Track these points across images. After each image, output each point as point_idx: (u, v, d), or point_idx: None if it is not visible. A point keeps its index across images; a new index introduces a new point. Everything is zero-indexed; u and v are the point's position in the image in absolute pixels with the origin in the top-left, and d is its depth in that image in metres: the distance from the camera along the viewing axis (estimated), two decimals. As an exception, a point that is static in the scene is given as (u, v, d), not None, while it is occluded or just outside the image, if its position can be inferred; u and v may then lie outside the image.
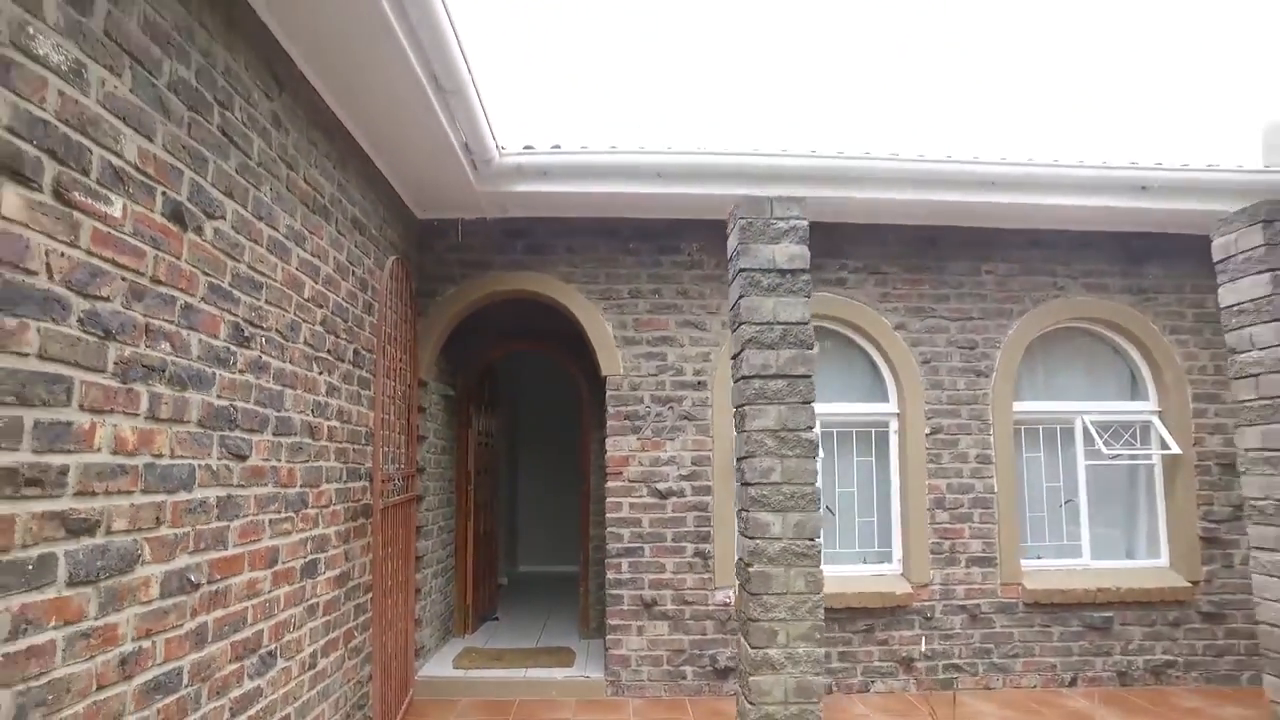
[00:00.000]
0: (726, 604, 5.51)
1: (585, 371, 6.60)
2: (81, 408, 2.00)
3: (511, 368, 9.87)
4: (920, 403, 5.82)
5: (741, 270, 3.41)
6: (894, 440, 5.92)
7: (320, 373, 3.73)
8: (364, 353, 4.39)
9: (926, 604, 5.67)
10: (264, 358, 3.12)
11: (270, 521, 3.17)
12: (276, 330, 3.24)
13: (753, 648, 3.27)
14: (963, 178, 5.37)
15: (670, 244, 5.80)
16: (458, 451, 6.86)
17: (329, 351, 3.85)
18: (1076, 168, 5.38)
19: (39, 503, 1.84)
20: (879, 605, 5.61)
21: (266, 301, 3.15)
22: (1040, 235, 5.99)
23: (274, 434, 3.21)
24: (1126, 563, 6.05)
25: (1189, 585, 5.82)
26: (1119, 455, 6.07)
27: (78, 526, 1.98)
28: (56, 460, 1.90)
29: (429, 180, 5.05)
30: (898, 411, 5.91)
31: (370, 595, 4.38)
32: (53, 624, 1.89)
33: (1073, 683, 5.69)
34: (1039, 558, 5.98)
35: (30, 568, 1.81)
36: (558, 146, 5.22)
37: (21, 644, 1.77)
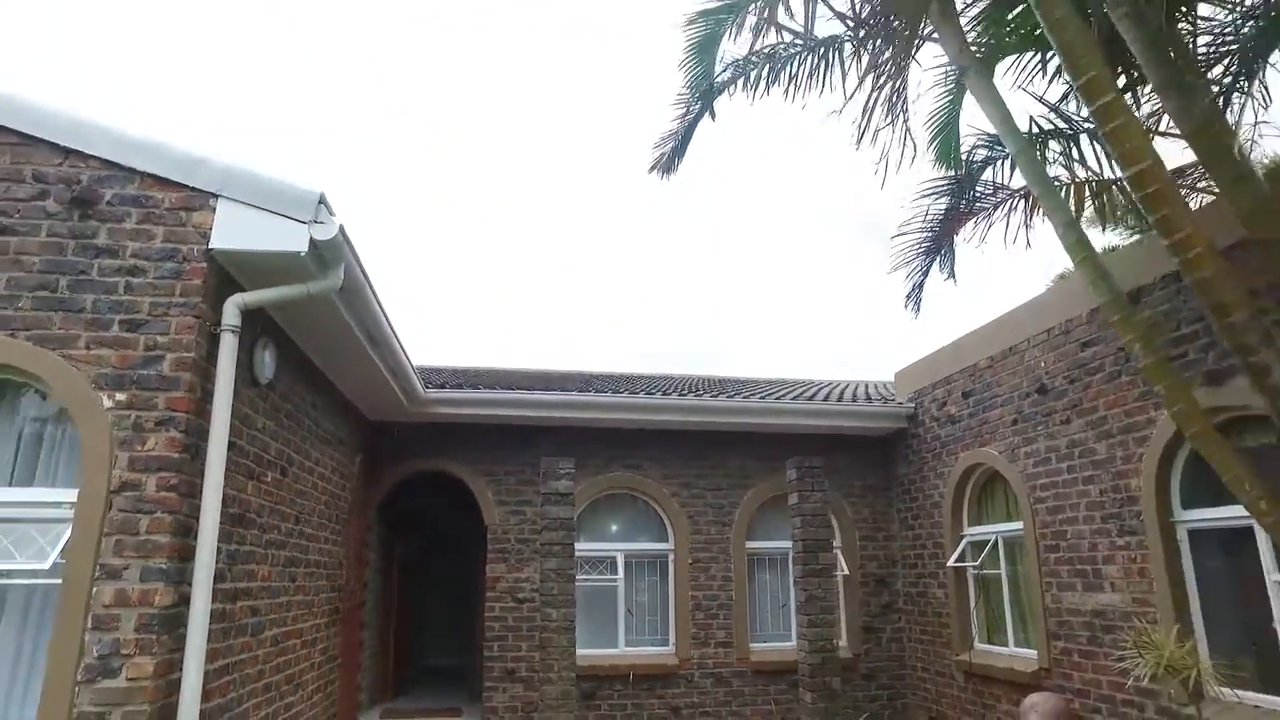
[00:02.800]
0: (560, 672, 8.69)
1: (475, 520, 9.87)
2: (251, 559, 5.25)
3: (428, 516, 12.99)
4: (687, 542, 9.30)
5: (543, 492, 6.87)
6: (671, 566, 9.35)
7: (322, 530, 6.96)
8: (340, 514, 7.62)
9: (689, 672, 8.98)
10: (305, 528, 6.37)
11: (302, 614, 6.33)
12: (309, 512, 6.50)
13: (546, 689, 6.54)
14: (714, 409, 9.05)
15: (529, 442, 9.23)
16: (388, 573, 9.96)
17: (326, 517, 7.09)
18: (779, 403, 9.11)
19: (240, 600, 5.06)
20: (660, 673, 8.89)
21: (307, 499, 6.42)
22: (768, 436, 9.67)
23: (304, 568, 6.41)
24: (822, 645, 9.49)
25: (854, 656, 9.30)
26: (815, 574, 9.60)
27: (250, 608, 5.20)
28: (241, 584, 5.13)
29: (381, 405, 8.41)
30: (673, 548, 9.37)
31: (337, 662, 7.46)
32: (241, 654, 5.08)
33: (780, 722, 9.02)
34: (764, 641, 9.39)
35: (237, 623, 5.02)
36: (459, 385, 8.70)
37: (228, 660, 4.97)
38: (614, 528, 9.57)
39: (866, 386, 11.67)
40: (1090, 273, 4.83)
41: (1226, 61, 5.23)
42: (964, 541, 8.46)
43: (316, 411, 6.71)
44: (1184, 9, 4.97)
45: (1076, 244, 4.89)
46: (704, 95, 5.87)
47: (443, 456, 9.15)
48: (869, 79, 5.49)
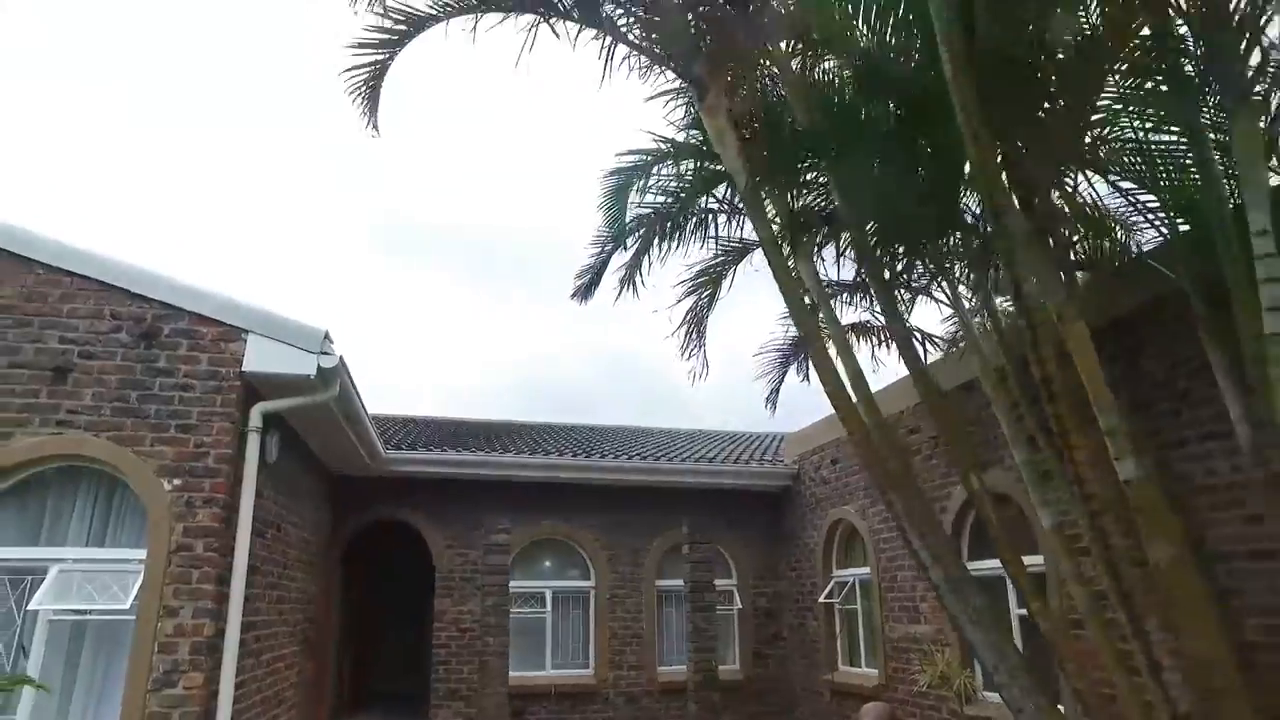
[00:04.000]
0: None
1: (425, 560, 11.41)
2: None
3: (384, 557, 14.45)
4: (606, 580, 10.99)
5: (485, 544, 8.52)
6: (592, 601, 11.03)
7: (301, 571, 8.47)
8: (313, 557, 9.13)
9: (605, 691, 10.63)
10: (289, 571, 7.89)
11: (286, 642, 7.83)
12: (292, 558, 8.02)
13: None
14: (630, 469, 10.79)
15: (472, 493, 10.84)
16: (349, 607, 11.42)
17: (303, 561, 8.60)
18: (685, 465, 10.90)
19: (250, 631, 6.60)
20: (581, 692, 10.52)
21: (292, 547, 7.95)
22: (679, 490, 11.43)
23: (288, 604, 7.92)
24: (723, 667, 11.24)
25: (747, 678, 11.07)
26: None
27: (255, 637, 6.73)
28: (250, 619, 6.67)
29: (348, 464, 9.95)
30: (594, 585, 11.05)
31: (309, 683, 8.93)
32: (251, 672, 6.61)
33: (682, 733, 10.69)
34: (669, 665, 11.09)
35: (250, 647, 6.55)
36: (414, 447, 10.30)
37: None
38: (544, 566, 11.21)
39: (775, 439, 13.59)
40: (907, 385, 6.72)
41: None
42: (832, 582, 10.33)
43: (299, 474, 8.26)
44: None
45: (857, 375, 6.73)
46: (616, 236, 7.65)
47: (398, 506, 10.70)
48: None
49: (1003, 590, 7.22)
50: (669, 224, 6.57)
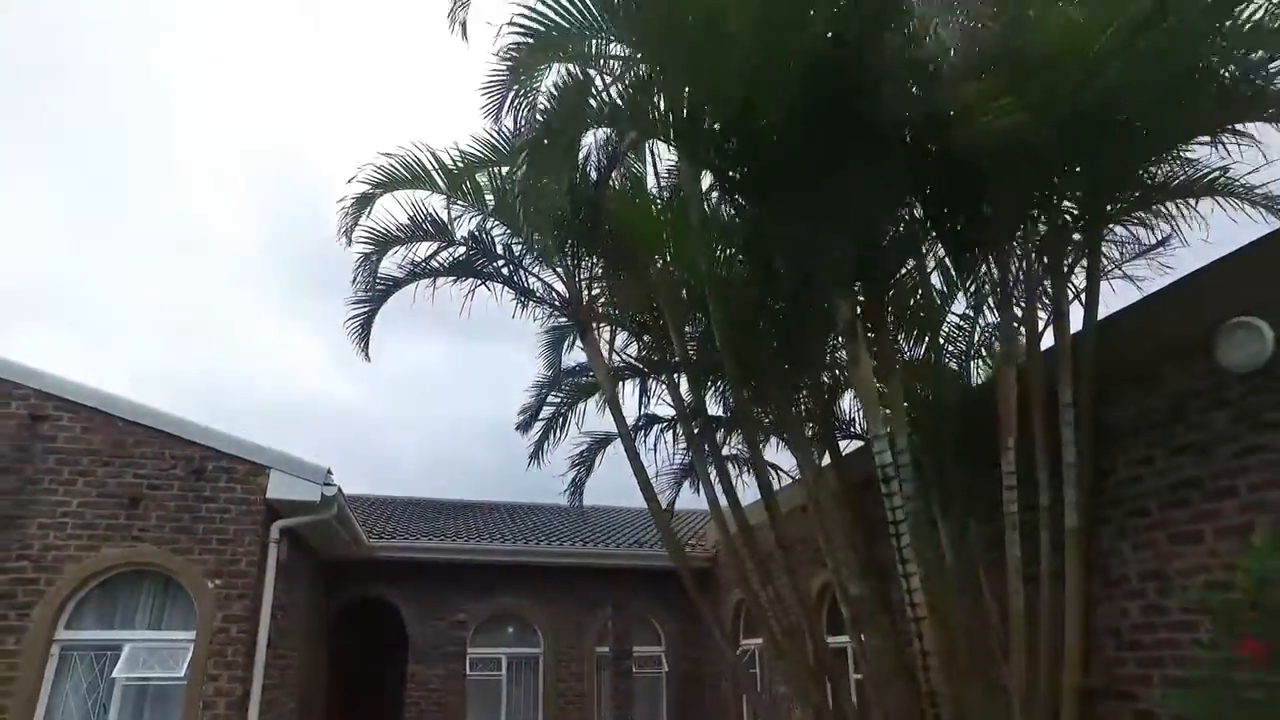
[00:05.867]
0: (457, 744, 12.24)
1: (400, 630, 13.45)
2: (273, 669, 8.90)
3: (365, 627, 16.43)
4: (554, 647, 13.06)
5: (451, 620, 10.64)
6: (541, 665, 13.07)
7: (299, 642, 10.52)
8: (307, 629, 11.18)
9: (550, 743, 12.62)
10: (291, 642, 9.96)
11: (287, 702, 9.86)
12: (294, 632, 10.09)
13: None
14: (574, 553, 12.96)
15: (441, 573, 12.94)
16: (333, 671, 13.40)
17: (301, 633, 10.65)
18: (620, 550, 13.08)
19: (265, 694, 8.69)
20: (529, 744, 12.50)
21: (293, 623, 10.03)
22: (617, 569, 13.56)
23: (290, 670, 9.97)
24: (649, 723, 13.26)
25: (671, 732, 13.09)
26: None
27: (268, 699, 8.81)
28: (265, 683, 8.75)
29: (335, 552, 12.06)
30: (543, 651, 13.12)
31: (301, 735, 10.92)
32: None
33: (615, 779, 12.68)
34: (606, 721, 13.10)
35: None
36: (393, 538, 12.45)
37: None
38: (503, 634, 13.28)
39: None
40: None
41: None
42: (739, 650, 12.47)
43: (300, 565, 10.38)
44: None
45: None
46: (550, 383, 9.96)
47: (377, 585, 12.79)
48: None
49: (842, 658, 9.43)
50: (567, 413, 8.98)
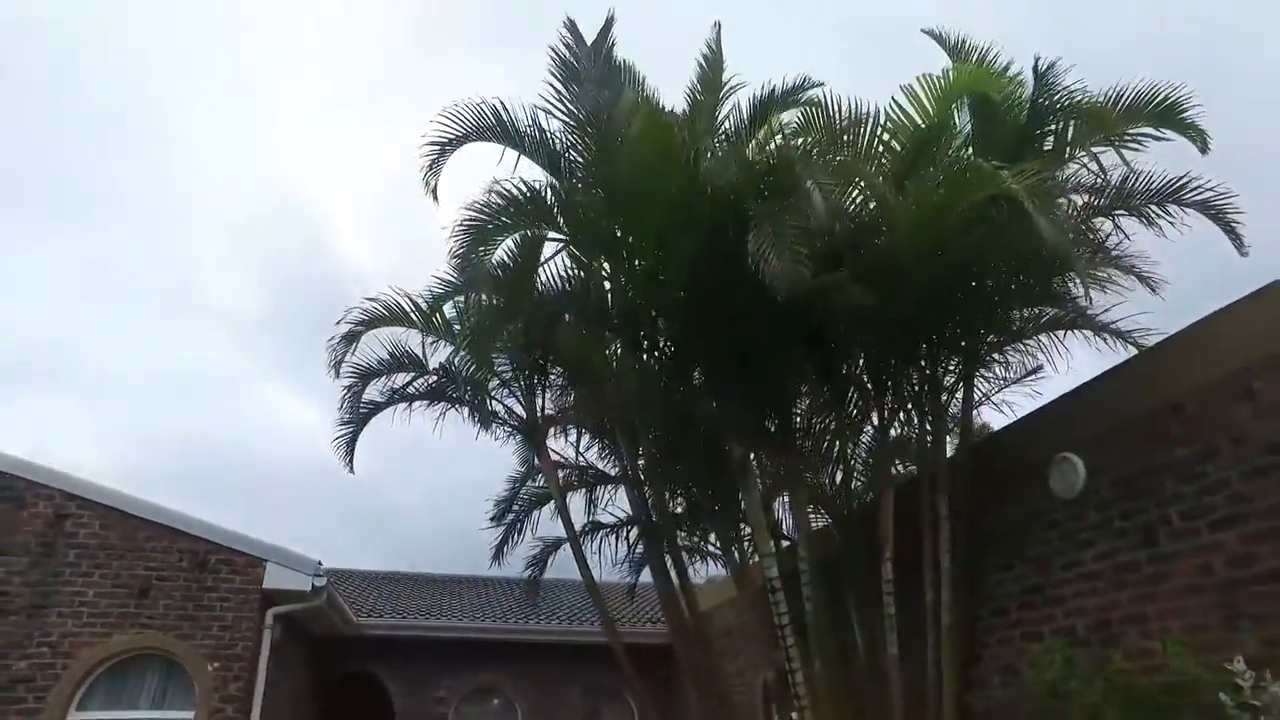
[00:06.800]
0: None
1: (386, 703, 14.17)
2: None
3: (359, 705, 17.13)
4: (533, 717, 13.78)
5: (434, 696, 11.45)
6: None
7: (293, 715, 11.30)
8: (300, 703, 11.95)
9: (527, 815, 13.25)
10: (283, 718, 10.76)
11: (276, 774, 10.62)
12: (287, 708, 10.89)
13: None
14: (551, 631, 13.78)
15: (425, 648, 13.73)
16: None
17: (294, 707, 11.44)
18: (593, 628, 13.90)
19: None
20: (507, 816, 13.14)
21: (284, 700, 10.84)
22: (591, 645, 14.35)
23: (279, 745, 10.74)
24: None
25: (643, 804, 13.72)
26: (619, 744, 14.14)
27: None
28: (260, 757, 9.55)
29: (326, 631, 12.89)
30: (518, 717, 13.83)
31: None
32: None
33: None
34: (581, 793, 13.75)
35: None
36: (381, 616, 13.30)
37: None
38: (484, 708, 14.00)
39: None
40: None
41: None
42: (705, 722, 13.16)
43: (291, 645, 11.23)
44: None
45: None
46: (522, 478, 10.93)
47: (366, 660, 13.58)
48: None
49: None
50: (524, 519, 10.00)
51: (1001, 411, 7.40)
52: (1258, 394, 4.50)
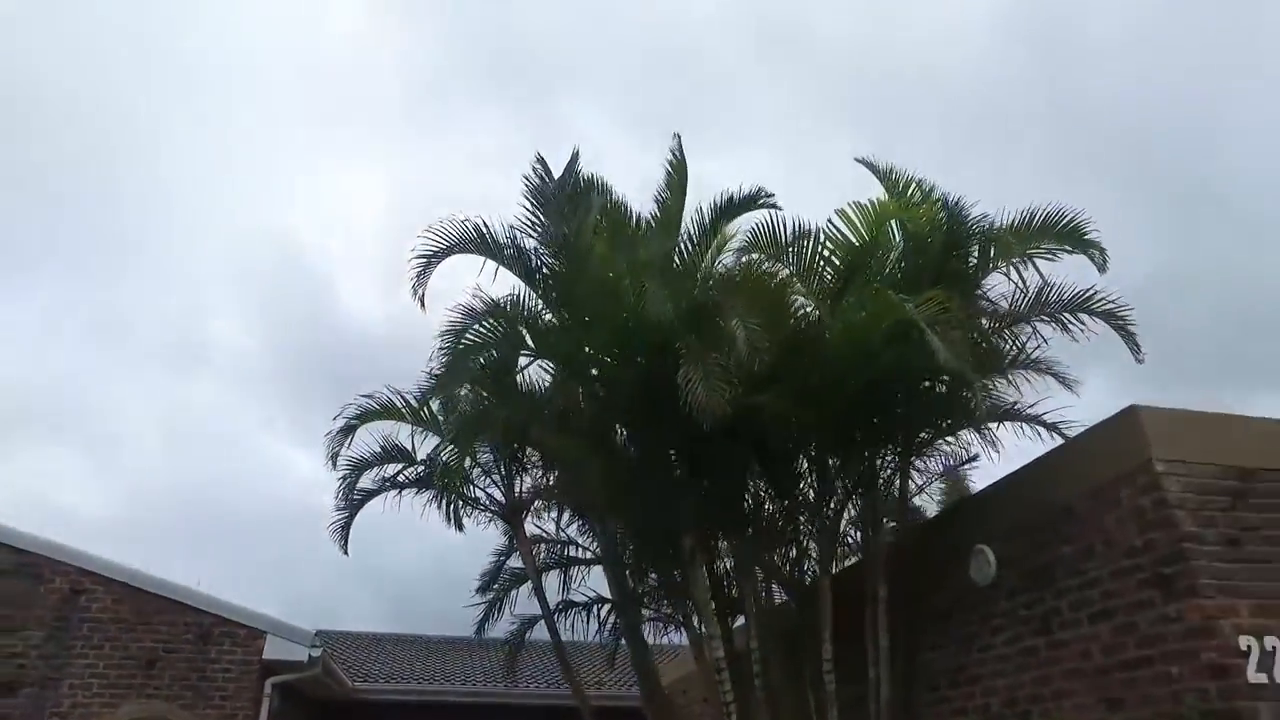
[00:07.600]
0: None
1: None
2: None
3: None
4: (521, 784, 14.18)
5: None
6: (509, 802, 14.16)
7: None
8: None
9: None
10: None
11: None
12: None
13: None
14: (535, 694, 14.26)
15: (416, 712, 14.20)
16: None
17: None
18: (562, 695, 14.40)
19: None
20: None
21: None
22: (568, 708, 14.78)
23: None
24: None
25: None
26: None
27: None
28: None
29: (324, 695, 13.40)
30: (511, 788, 14.22)
31: None
32: None
33: None
34: None
35: None
36: (377, 681, 13.82)
37: None
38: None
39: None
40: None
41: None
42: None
43: (289, 710, 11.77)
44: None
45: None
46: (507, 551, 11.54)
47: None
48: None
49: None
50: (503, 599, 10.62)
51: (932, 499, 8.05)
52: (1123, 501, 5.18)
